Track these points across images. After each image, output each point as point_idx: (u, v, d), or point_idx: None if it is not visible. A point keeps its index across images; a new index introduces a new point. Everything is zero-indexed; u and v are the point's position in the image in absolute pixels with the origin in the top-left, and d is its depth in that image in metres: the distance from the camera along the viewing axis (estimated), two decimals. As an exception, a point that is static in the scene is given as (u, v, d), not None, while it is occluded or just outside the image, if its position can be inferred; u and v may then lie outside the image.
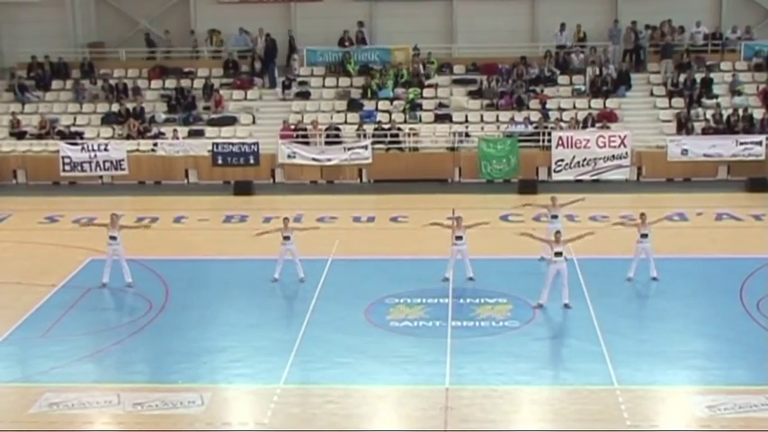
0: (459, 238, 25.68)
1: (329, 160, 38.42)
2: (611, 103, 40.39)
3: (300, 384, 20.03)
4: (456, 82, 42.45)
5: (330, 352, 21.57)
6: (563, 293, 23.88)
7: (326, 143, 38.84)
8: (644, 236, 25.77)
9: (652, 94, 41.24)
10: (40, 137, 40.09)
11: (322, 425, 18.22)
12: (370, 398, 19.43)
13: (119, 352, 21.88)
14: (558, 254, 23.84)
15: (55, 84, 43.50)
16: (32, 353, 21.95)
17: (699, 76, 40.76)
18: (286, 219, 26.58)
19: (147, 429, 18.14)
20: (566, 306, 23.78)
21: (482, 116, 40.34)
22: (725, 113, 38.90)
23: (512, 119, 39.51)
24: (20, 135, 40.35)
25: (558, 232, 24.35)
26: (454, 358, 21.01)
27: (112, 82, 42.74)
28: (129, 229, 27.92)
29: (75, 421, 18.49)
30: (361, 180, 38.64)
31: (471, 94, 41.56)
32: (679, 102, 40.12)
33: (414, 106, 40.57)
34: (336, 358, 21.29)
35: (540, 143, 38.15)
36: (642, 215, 26.04)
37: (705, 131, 38.46)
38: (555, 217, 27.52)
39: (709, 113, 39.10)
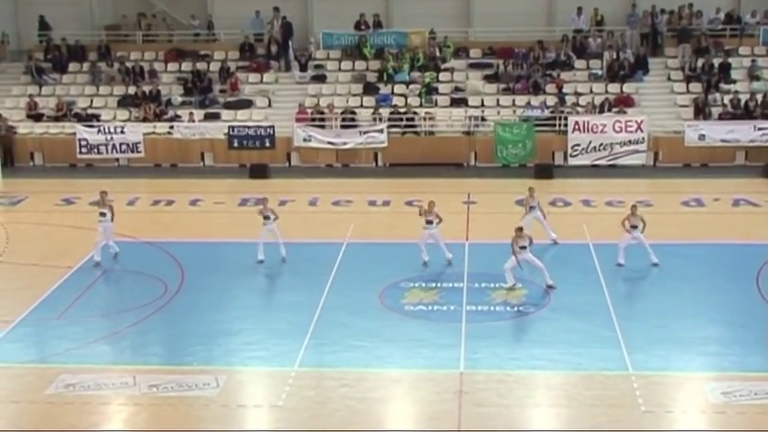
0: (430, 222, 25.75)
1: (345, 144, 38.40)
2: (628, 87, 40.22)
3: (315, 367, 20.06)
4: (472, 66, 42.36)
5: (345, 335, 21.61)
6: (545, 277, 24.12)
7: (342, 127, 38.83)
8: (634, 227, 25.52)
9: (669, 79, 41.06)
10: (56, 119, 40.20)
11: (336, 408, 18.26)
12: (385, 381, 19.45)
13: (134, 334, 21.97)
14: (523, 247, 23.90)
15: (72, 66, 43.58)
16: (49, 334, 22.06)
17: (717, 61, 40.57)
18: (264, 199, 26.72)
19: (163, 411, 18.22)
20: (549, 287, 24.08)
21: (498, 100, 40.23)
22: (743, 99, 38.69)
23: (528, 103, 39.41)
24: (37, 117, 40.46)
25: (520, 228, 24.36)
26: (469, 342, 21.01)
27: (129, 65, 42.79)
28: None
29: (92, 402, 18.59)
30: (376, 164, 38.62)
31: (487, 78, 41.45)
32: (696, 87, 39.93)
33: (430, 90, 40.49)
34: (351, 342, 21.33)
35: (557, 128, 38.06)
36: (633, 207, 25.92)
37: (723, 117, 38.28)
38: (533, 208, 27.15)
39: (726, 98, 38.90)
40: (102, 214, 26.72)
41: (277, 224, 26.41)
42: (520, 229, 24.25)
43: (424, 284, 24.53)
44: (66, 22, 44.65)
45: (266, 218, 26.24)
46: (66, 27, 44.45)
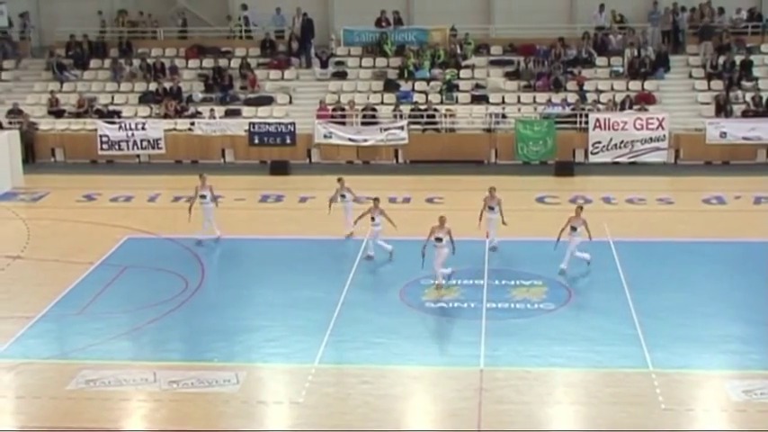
0: (373, 219, 26.00)
1: (365, 141, 38.43)
2: (650, 85, 40.08)
3: (335, 364, 20.08)
4: (493, 63, 42.31)
5: (365, 332, 21.61)
6: None
7: (363, 123, 38.86)
8: (574, 228, 24.91)
9: (691, 77, 40.90)
10: (78, 115, 40.38)
11: (356, 404, 18.26)
12: (405, 378, 19.45)
13: (155, 330, 22.03)
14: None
15: (93, 63, 43.75)
16: (70, 330, 22.16)
17: (738, 59, 40.40)
18: (202, 174, 28.10)
19: (183, 407, 18.27)
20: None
21: (519, 97, 40.17)
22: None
23: (549, 100, 39.33)
24: (58, 113, 40.65)
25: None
26: (489, 340, 20.99)
27: (150, 61, 42.93)
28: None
29: (112, 398, 18.65)
30: (397, 161, 38.62)
31: (508, 75, 41.40)
32: (718, 84, 39.77)
33: (450, 87, 40.46)
34: (371, 338, 21.33)
35: (578, 125, 37.99)
36: (578, 208, 25.38)
37: (744, 114, 38.14)
38: (492, 208, 26.75)
39: (748, 96, 38.73)
40: (203, 196, 27.51)
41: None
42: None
43: (444, 281, 24.50)
44: (87, 19, 44.80)
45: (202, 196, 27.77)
46: (87, 24, 44.61)
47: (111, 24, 45.32)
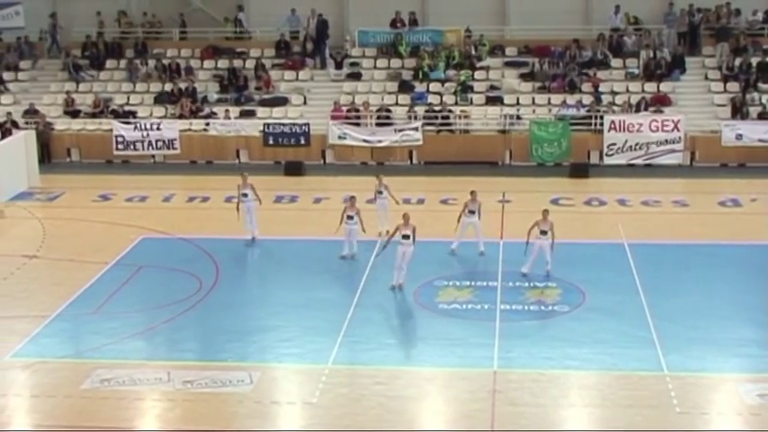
0: (351, 217, 26.08)
1: (380, 142, 38.42)
2: (665, 86, 39.95)
3: (349, 365, 20.11)
4: (508, 64, 42.23)
5: (378, 333, 21.64)
6: None
7: (377, 124, 38.85)
8: (543, 232, 24.76)
9: (707, 78, 40.75)
10: (93, 116, 40.46)
11: (370, 405, 18.28)
12: (418, 380, 19.45)
13: (169, 330, 22.09)
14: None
15: (109, 63, 43.83)
16: (85, 329, 22.25)
17: (755, 60, 40.22)
18: (243, 173, 28.42)
19: (197, 407, 18.31)
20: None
21: (534, 99, 40.09)
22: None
23: (564, 102, 39.25)
24: (74, 114, 40.75)
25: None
26: (503, 341, 20.98)
27: (165, 62, 43.01)
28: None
29: (127, 397, 18.71)
30: (411, 162, 38.60)
31: (523, 77, 41.32)
32: (734, 86, 39.61)
33: (465, 88, 40.41)
34: (385, 339, 21.36)
35: (592, 127, 37.89)
36: (545, 211, 25.10)
37: (761, 116, 37.95)
38: (472, 212, 26.59)
39: (765, 98, 38.57)
40: (245, 195, 27.82)
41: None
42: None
43: (458, 283, 24.51)
44: (103, 19, 44.95)
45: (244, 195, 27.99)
46: (103, 24, 44.78)
47: (112, 25, 45.31)
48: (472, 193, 26.84)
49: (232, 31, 44.68)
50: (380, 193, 28.41)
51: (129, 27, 45.34)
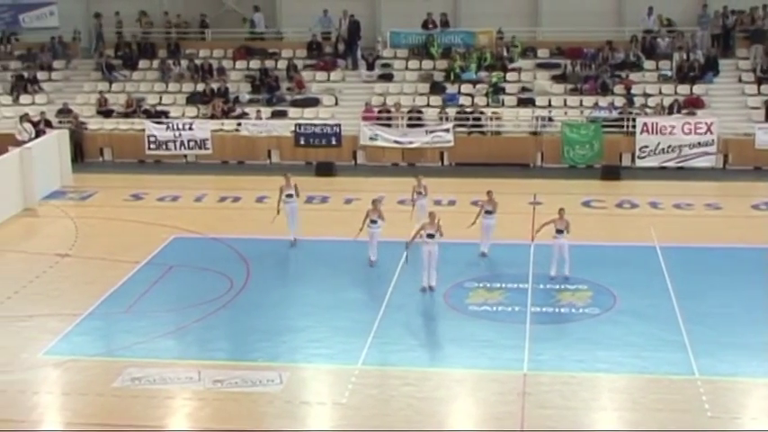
0: (374, 221, 25.92)
1: (411, 143, 38.41)
2: (698, 89, 39.70)
3: (378, 366, 20.10)
4: (540, 66, 42.14)
5: (409, 334, 21.64)
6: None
7: (408, 126, 38.85)
8: (560, 231, 24.64)
9: (740, 81, 40.48)
10: (126, 115, 40.69)
11: (399, 406, 18.27)
12: (448, 381, 19.43)
13: (200, 329, 22.16)
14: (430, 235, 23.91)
15: (142, 63, 44.09)
16: (116, 328, 22.35)
17: (789, 63, 39.97)
18: (286, 174, 28.24)
19: (227, 406, 18.36)
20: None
21: (565, 101, 39.97)
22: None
23: (596, 104, 39.09)
24: (107, 113, 41.00)
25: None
26: (533, 344, 20.91)
27: (198, 62, 43.19)
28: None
29: (157, 396, 18.79)
30: (442, 163, 38.56)
31: (555, 79, 41.20)
32: (768, 88, 39.38)
33: (497, 90, 40.33)
34: (415, 341, 21.36)
35: (625, 129, 37.73)
36: (560, 210, 24.94)
37: (795, 119, 37.72)
38: (489, 212, 26.52)
39: (799, 101, 38.33)
40: (289, 195, 27.69)
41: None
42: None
43: (488, 285, 24.45)
44: (140, 19, 45.26)
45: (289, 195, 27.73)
46: (136, 24, 45.06)
47: (143, 26, 45.53)
48: (488, 193, 26.80)
49: (260, 33, 44.79)
50: (420, 193, 28.36)
51: (153, 27, 45.46)
